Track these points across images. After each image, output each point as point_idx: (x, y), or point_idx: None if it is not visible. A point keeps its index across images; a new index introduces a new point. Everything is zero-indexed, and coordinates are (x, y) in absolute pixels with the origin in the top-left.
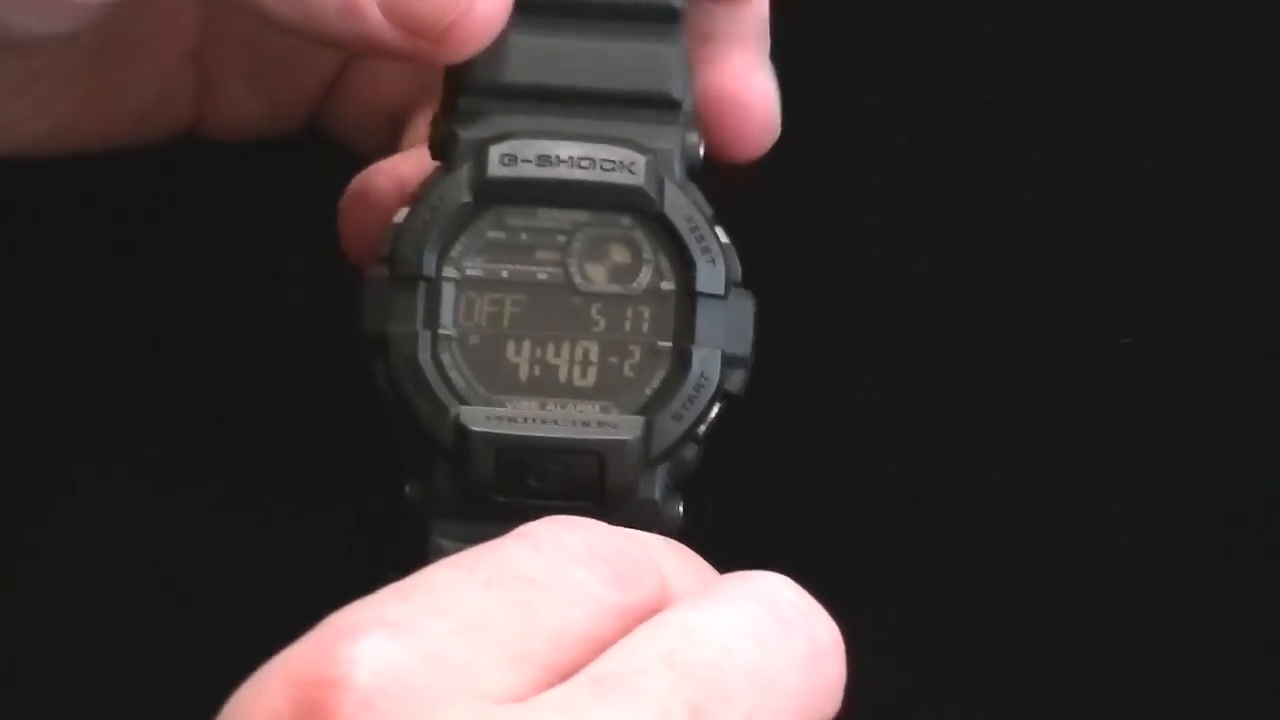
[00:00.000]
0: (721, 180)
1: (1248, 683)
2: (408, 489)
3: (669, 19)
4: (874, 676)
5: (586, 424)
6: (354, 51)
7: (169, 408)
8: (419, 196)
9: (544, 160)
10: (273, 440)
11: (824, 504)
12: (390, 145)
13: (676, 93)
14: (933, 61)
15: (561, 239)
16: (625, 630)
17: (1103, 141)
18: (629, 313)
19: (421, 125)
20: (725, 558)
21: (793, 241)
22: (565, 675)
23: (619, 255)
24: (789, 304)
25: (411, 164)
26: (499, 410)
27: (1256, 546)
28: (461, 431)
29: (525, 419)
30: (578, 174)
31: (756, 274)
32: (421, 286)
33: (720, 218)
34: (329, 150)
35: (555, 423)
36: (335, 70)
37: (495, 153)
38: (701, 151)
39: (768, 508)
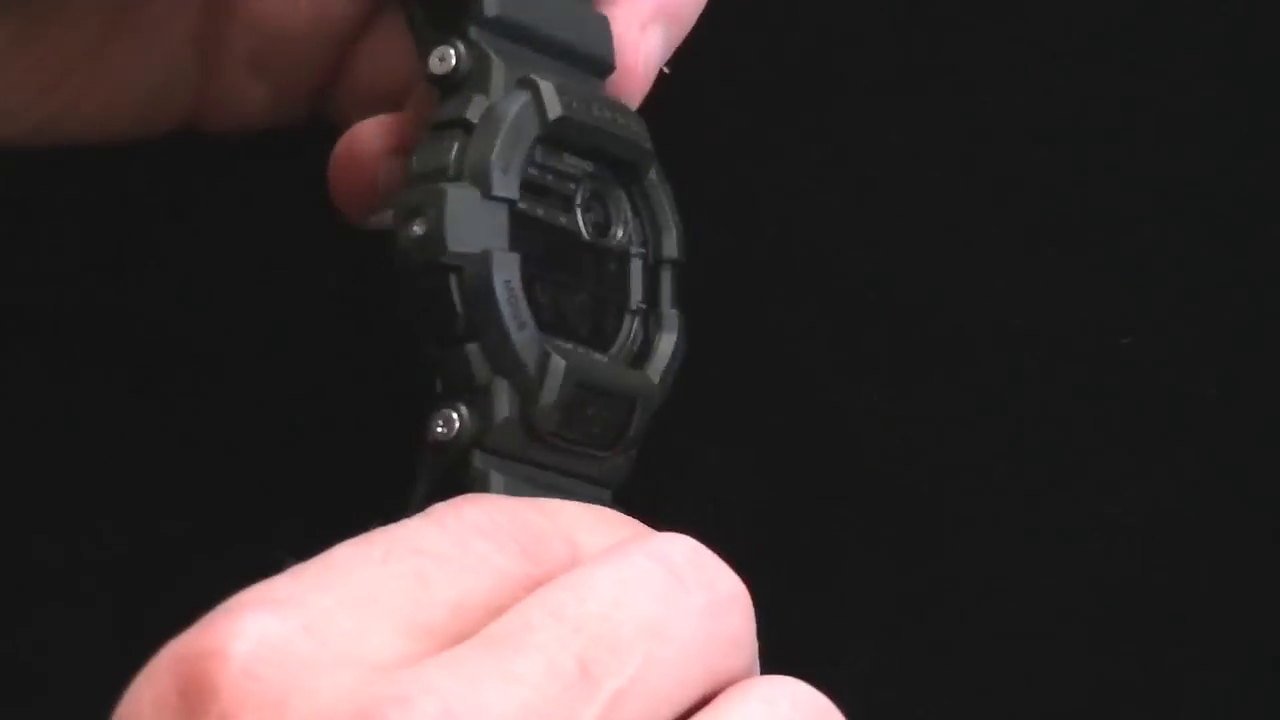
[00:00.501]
0: None
1: (1248, 683)
2: (455, 416)
3: None
4: (874, 676)
5: (616, 371)
6: None
7: (171, 401)
8: (478, 123)
9: (585, 107)
10: (280, 432)
11: (824, 504)
12: None
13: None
14: (933, 61)
15: (572, 186)
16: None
17: (1102, 141)
18: (610, 270)
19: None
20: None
21: (793, 241)
22: None
23: (610, 213)
24: (789, 304)
25: (401, 121)
26: (567, 346)
27: (1256, 546)
28: (548, 362)
29: (590, 359)
30: (608, 125)
31: (757, 274)
32: (510, 212)
33: (720, 218)
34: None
35: (606, 367)
36: (338, 56)
37: (548, 90)
38: None
39: (768, 508)
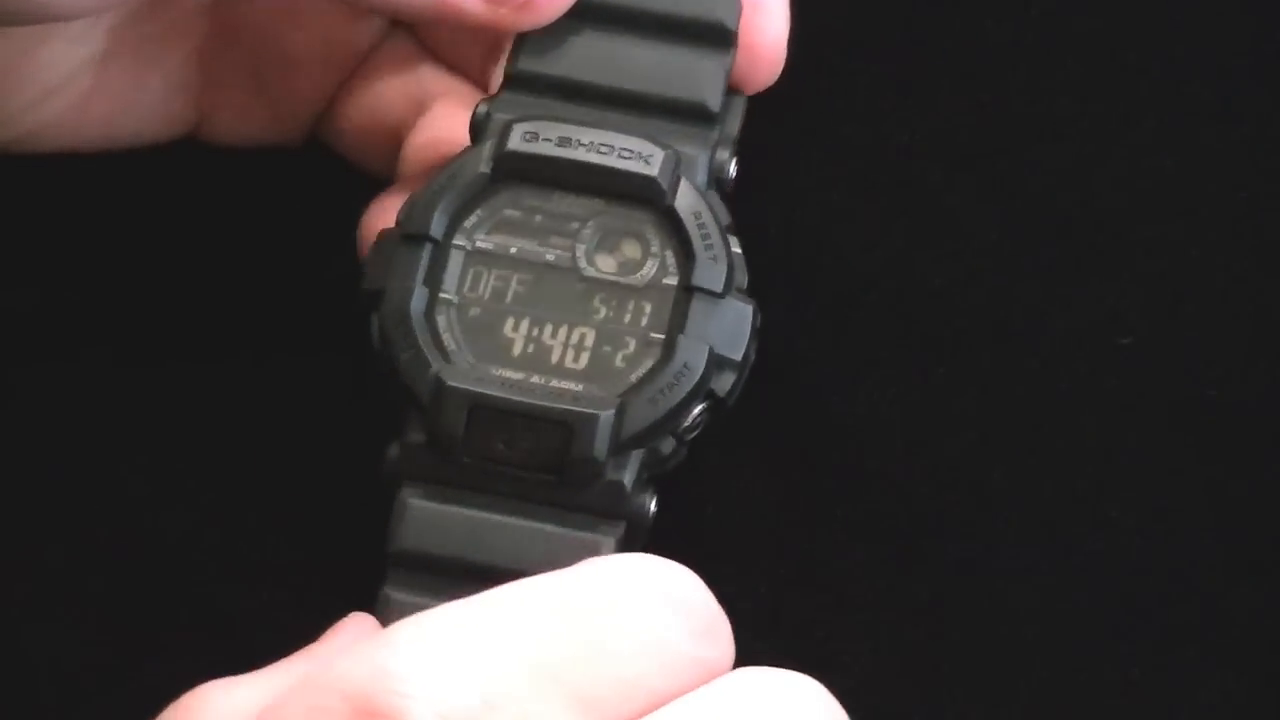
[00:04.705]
0: None
1: (1248, 683)
2: (388, 449)
3: (721, 40)
4: (874, 676)
5: (560, 396)
6: (432, 21)
7: (163, 414)
8: (442, 167)
9: (564, 141)
10: (268, 449)
11: (824, 504)
12: (391, 161)
13: (713, 105)
14: (933, 61)
15: (575, 225)
16: (694, 684)
17: (1103, 141)
18: (631, 305)
19: (416, 142)
20: (725, 557)
21: (793, 241)
22: None
23: (629, 247)
24: (789, 304)
25: None
26: (479, 372)
27: (1256, 546)
28: (438, 386)
29: (503, 383)
30: (594, 158)
31: (757, 274)
32: (427, 246)
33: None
34: (330, 162)
35: (531, 392)
36: (337, 81)
37: (519, 129)
38: (732, 172)
39: (768, 508)
